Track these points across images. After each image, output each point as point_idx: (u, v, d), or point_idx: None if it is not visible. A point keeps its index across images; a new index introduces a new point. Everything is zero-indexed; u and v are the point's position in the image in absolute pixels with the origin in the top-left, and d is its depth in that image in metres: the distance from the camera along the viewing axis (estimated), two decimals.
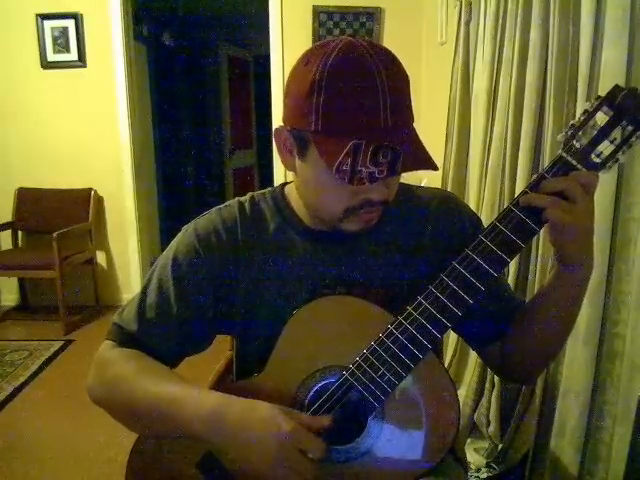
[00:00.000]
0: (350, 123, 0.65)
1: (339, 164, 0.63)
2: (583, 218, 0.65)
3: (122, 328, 0.80)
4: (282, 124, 0.74)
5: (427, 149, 0.68)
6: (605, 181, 1.20)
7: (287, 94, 0.73)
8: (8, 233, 3.44)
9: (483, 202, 1.84)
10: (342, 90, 0.65)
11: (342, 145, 0.64)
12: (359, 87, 0.65)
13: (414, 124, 0.71)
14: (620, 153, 0.65)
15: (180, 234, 0.84)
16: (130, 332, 0.80)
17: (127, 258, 3.58)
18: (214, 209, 0.86)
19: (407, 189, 0.87)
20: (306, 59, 0.69)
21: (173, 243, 0.84)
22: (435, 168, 0.66)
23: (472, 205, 1.89)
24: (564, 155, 0.66)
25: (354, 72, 0.65)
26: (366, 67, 0.65)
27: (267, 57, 3.30)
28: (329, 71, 0.65)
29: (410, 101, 0.70)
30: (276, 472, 0.64)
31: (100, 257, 3.58)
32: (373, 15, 3.16)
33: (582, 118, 0.65)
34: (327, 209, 0.74)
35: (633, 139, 0.64)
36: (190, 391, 0.71)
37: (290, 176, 0.81)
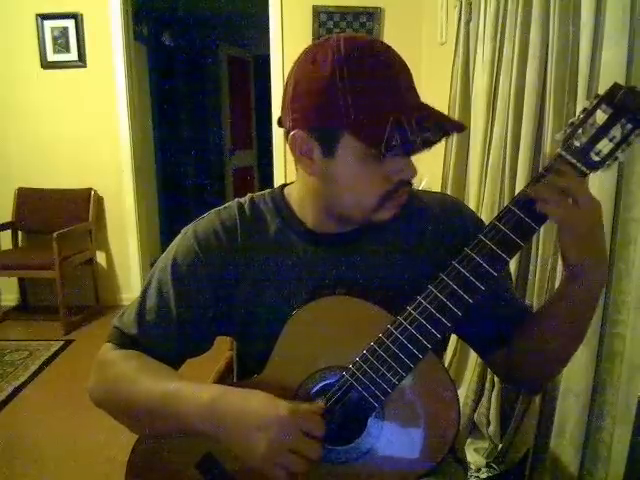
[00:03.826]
0: (383, 104, 0.66)
1: (387, 140, 0.63)
2: (585, 221, 0.64)
3: (122, 331, 0.81)
4: (295, 131, 0.71)
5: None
6: (605, 181, 1.20)
7: (296, 97, 0.71)
8: (8, 233, 3.44)
9: (483, 202, 1.84)
10: (366, 74, 0.66)
11: (381, 125, 0.64)
12: (381, 67, 0.67)
13: None
14: (619, 151, 0.64)
15: (179, 236, 0.84)
16: (130, 335, 0.80)
17: (127, 258, 3.58)
18: (213, 211, 0.85)
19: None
20: (311, 58, 0.70)
21: (172, 245, 0.84)
22: (464, 128, 0.69)
23: (472, 205, 1.89)
24: (563, 154, 0.65)
25: (370, 55, 0.67)
26: (380, 52, 0.68)
27: (267, 57, 3.30)
28: (346, 60, 0.66)
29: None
30: (280, 456, 0.64)
31: (100, 257, 3.58)
32: (373, 15, 3.16)
33: (581, 116, 0.65)
34: (362, 202, 0.73)
35: (632, 137, 0.64)
36: (188, 386, 0.71)
37: (290, 177, 0.80)
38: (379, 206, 0.73)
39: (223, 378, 1.08)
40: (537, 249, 1.55)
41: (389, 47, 0.70)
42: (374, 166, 0.70)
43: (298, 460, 0.64)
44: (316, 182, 0.76)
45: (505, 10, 1.70)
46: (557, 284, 1.36)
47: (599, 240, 0.68)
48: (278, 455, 0.64)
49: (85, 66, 3.33)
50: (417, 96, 0.70)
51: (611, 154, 0.64)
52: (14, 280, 3.53)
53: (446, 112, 2.19)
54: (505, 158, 1.70)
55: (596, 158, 0.65)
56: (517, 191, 1.61)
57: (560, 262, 1.32)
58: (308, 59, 0.70)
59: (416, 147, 0.67)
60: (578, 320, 0.75)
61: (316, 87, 0.68)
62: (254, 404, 0.67)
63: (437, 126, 0.67)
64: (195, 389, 0.71)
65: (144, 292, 0.82)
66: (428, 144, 0.67)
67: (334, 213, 0.78)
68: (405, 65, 0.70)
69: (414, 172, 0.73)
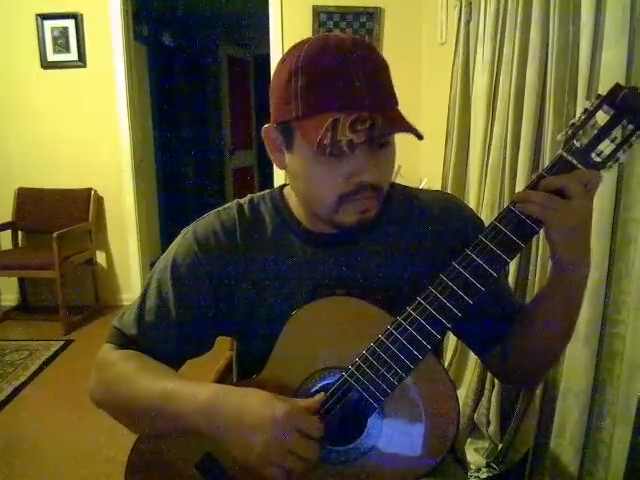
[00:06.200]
0: (327, 101, 0.67)
1: (320, 139, 0.64)
2: (578, 217, 0.64)
3: (122, 332, 0.81)
4: (266, 125, 0.76)
5: (411, 123, 0.68)
6: (605, 181, 1.19)
7: (270, 93, 0.75)
8: (8, 233, 3.44)
9: (483, 202, 1.83)
10: (317, 72, 0.67)
11: (323, 124, 0.64)
12: (333, 68, 0.67)
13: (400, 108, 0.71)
14: (621, 152, 0.64)
15: (179, 237, 0.84)
16: (130, 336, 0.80)
17: (127, 258, 3.58)
18: (213, 212, 0.86)
19: (408, 191, 0.87)
20: (284, 57, 0.73)
21: (172, 246, 0.84)
22: (417, 135, 0.67)
23: (472, 205, 1.89)
24: (564, 154, 0.65)
25: (327, 56, 0.67)
26: (339, 50, 0.67)
27: (267, 57, 3.30)
28: (304, 58, 0.68)
29: (391, 86, 0.71)
30: (276, 456, 0.64)
31: (100, 257, 3.57)
32: (373, 15, 3.16)
33: (582, 117, 0.65)
34: (321, 200, 0.73)
35: (634, 138, 0.64)
36: (187, 385, 0.72)
37: None
38: (339, 206, 0.72)
39: (223, 378, 1.07)
40: (537, 249, 1.55)
41: (359, 47, 0.68)
42: (329, 165, 0.70)
43: (295, 460, 0.64)
44: (289, 177, 0.79)
45: (505, 10, 1.70)
46: None
47: (588, 239, 0.69)
48: (274, 455, 0.64)
49: (85, 66, 3.33)
50: (380, 98, 0.68)
51: (612, 155, 0.64)
52: (14, 280, 3.53)
53: (446, 112, 2.19)
54: (505, 158, 1.70)
55: (597, 159, 0.65)
56: (517, 191, 1.60)
57: None
58: (282, 57, 0.74)
59: (340, 149, 0.66)
60: (566, 314, 0.76)
61: (278, 84, 0.71)
62: (251, 404, 0.67)
63: (371, 127, 0.64)
64: (194, 388, 0.71)
65: (144, 293, 0.82)
66: (352, 147, 0.65)
67: (307, 207, 0.79)
68: (371, 68, 0.68)
69: (373, 176, 0.70)
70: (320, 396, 0.70)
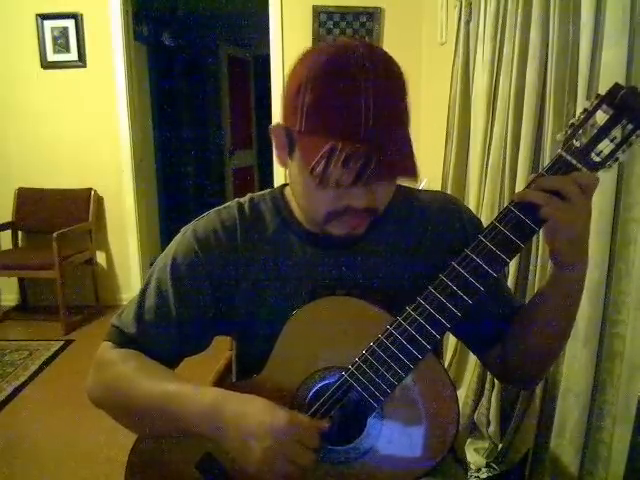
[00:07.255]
0: (330, 124, 0.64)
1: (315, 165, 0.63)
2: (578, 219, 0.64)
3: (121, 330, 0.80)
4: (276, 123, 0.75)
5: (413, 155, 0.66)
6: (605, 181, 1.20)
7: (283, 93, 0.73)
8: (8, 233, 3.44)
9: (483, 202, 1.83)
10: (325, 91, 0.64)
11: (321, 146, 0.63)
12: (342, 88, 0.63)
13: (410, 128, 0.69)
14: (620, 152, 0.64)
15: (179, 236, 0.84)
16: (129, 334, 0.80)
17: (127, 258, 3.58)
18: (213, 210, 0.85)
19: (407, 191, 0.86)
20: (302, 58, 0.70)
21: (172, 245, 0.84)
22: (412, 176, 0.65)
23: (472, 205, 1.89)
24: (564, 154, 0.65)
25: (339, 73, 0.64)
26: (352, 68, 0.63)
27: (267, 57, 3.30)
28: (316, 71, 0.65)
29: (405, 105, 0.67)
30: (274, 463, 0.65)
31: (100, 257, 3.57)
32: (373, 15, 3.16)
33: (582, 117, 0.65)
34: (311, 211, 0.74)
35: (633, 138, 0.63)
36: (188, 388, 0.72)
37: None
38: (327, 221, 0.72)
39: (223, 378, 1.07)
40: (537, 249, 1.55)
41: (375, 63, 0.64)
42: None
43: (291, 467, 0.65)
44: (288, 177, 0.78)
45: (505, 10, 1.70)
46: None
47: (587, 240, 0.69)
48: (272, 461, 0.65)
49: (85, 66, 3.33)
50: (386, 127, 0.64)
51: (612, 155, 0.64)
52: (14, 280, 3.53)
53: (446, 112, 2.19)
54: (505, 158, 1.70)
55: (597, 159, 0.65)
56: (517, 191, 1.60)
57: None
58: (301, 57, 0.70)
59: (327, 183, 0.65)
60: (564, 314, 0.76)
61: (290, 89, 0.69)
62: (252, 411, 0.67)
63: (362, 169, 0.62)
64: (195, 391, 0.71)
65: (143, 291, 0.82)
66: (338, 184, 0.64)
67: (302, 211, 0.79)
68: (385, 88, 0.64)
69: (363, 202, 0.68)
70: (326, 421, 0.69)
